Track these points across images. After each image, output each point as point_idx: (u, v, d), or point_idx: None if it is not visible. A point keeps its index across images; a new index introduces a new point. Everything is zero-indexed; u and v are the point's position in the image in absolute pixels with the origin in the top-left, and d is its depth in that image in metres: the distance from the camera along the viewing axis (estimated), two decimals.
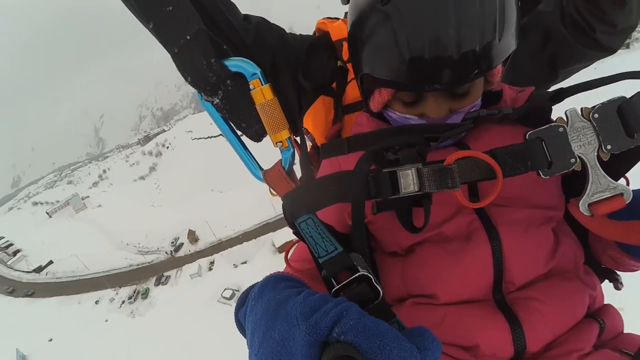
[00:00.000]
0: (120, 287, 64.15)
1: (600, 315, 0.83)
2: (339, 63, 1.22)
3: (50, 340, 53.07)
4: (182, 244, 71.95)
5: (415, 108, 0.84)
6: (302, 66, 1.11)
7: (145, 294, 58.07)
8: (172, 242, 74.06)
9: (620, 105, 0.61)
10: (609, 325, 0.82)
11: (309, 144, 1.35)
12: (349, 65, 1.23)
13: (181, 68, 0.70)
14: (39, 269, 78.63)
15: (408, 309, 0.85)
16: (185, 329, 39.60)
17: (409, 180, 0.61)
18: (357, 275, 0.50)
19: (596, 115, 0.61)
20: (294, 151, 0.72)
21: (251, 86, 0.68)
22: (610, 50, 1.08)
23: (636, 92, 0.61)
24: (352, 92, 1.24)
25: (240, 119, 0.73)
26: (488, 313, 0.76)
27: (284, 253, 0.88)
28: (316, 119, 1.14)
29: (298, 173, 0.85)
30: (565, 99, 0.77)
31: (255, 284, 0.56)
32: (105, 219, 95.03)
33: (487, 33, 0.70)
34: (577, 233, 0.90)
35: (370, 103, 0.93)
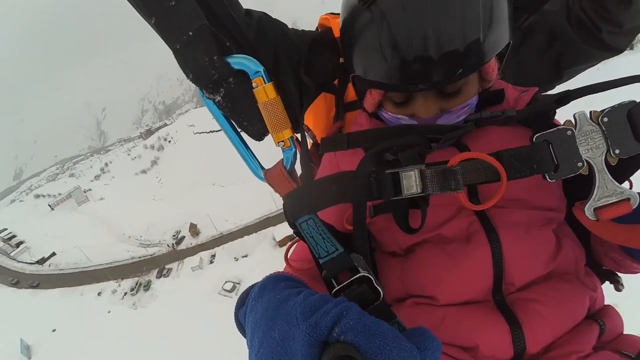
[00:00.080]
0: (122, 279, 64.71)
1: (601, 316, 0.83)
2: (341, 60, 1.20)
3: (54, 330, 53.81)
4: (184, 237, 72.47)
5: (405, 108, 0.84)
6: (304, 62, 1.12)
7: (147, 286, 58.63)
8: (174, 235, 74.58)
9: (630, 110, 0.60)
10: (609, 327, 0.81)
11: (310, 141, 1.35)
12: None
13: (183, 65, 0.68)
14: (42, 261, 79.35)
15: (408, 309, 0.85)
16: (187, 321, 40.18)
17: (411, 182, 0.61)
18: (357, 276, 0.50)
19: (605, 119, 0.60)
20: (295, 151, 0.71)
21: (254, 84, 0.67)
22: (616, 51, 1.08)
23: None
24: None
25: (242, 117, 0.71)
26: (488, 314, 0.76)
27: (284, 251, 0.88)
28: (317, 117, 1.13)
29: (299, 170, 0.85)
30: (571, 103, 0.77)
31: (255, 283, 0.56)
32: (107, 212, 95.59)
33: (470, 31, 0.70)
34: (578, 234, 0.90)
35: (364, 103, 0.94)
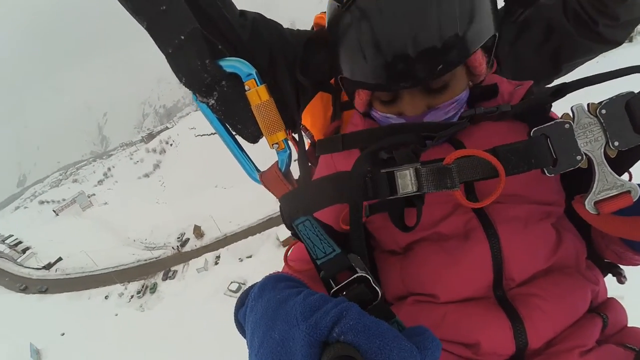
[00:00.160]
0: (128, 282, 65.35)
1: (603, 309, 0.82)
2: None
3: (63, 334, 54.43)
4: (188, 239, 73.06)
5: (393, 107, 0.84)
6: (299, 62, 1.11)
7: (154, 288, 59.22)
8: (178, 238, 75.17)
9: (628, 101, 0.59)
10: (612, 320, 0.80)
11: (307, 141, 1.35)
12: None
13: (175, 69, 0.69)
14: (48, 266, 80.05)
15: (409, 307, 0.84)
16: (193, 321, 40.64)
17: (407, 181, 0.61)
18: (355, 276, 0.50)
19: (603, 111, 0.60)
20: (290, 153, 0.72)
21: (246, 87, 0.68)
22: (614, 43, 1.08)
23: None
24: None
25: (235, 120, 0.72)
26: (489, 310, 0.76)
27: (285, 251, 0.88)
28: (314, 116, 1.14)
29: (296, 170, 0.83)
30: (567, 96, 0.76)
31: (255, 284, 0.56)
32: (111, 216, 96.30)
33: (447, 27, 0.70)
34: (579, 228, 0.89)
35: (355, 104, 0.95)
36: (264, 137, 0.73)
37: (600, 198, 0.61)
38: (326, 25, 0.89)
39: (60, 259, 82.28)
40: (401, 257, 0.89)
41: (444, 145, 0.86)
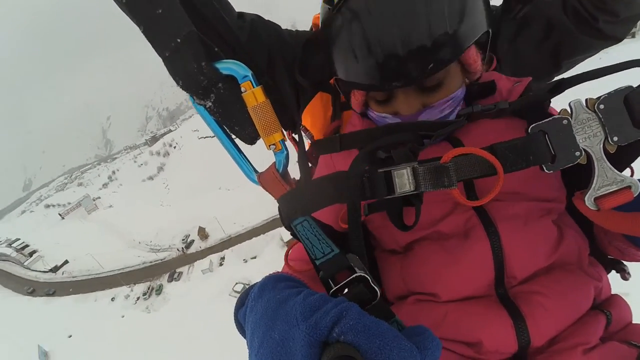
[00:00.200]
0: (134, 284, 65.89)
1: (607, 306, 0.82)
2: None
3: (70, 336, 55.03)
4: (193, 240, 73.53)
5: (388, 106, 0.85)
6: (298, 62, 1.11)
7: (159, 290, 59.63)
8: (183, 239, 75.64)
9: (627, 95, 0.58)
10: (616, 317, 0.80)
11: (307, 141, 1.34)
12: None
13: (172, 72, 0.70)
14: (55, 269, 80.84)
15: (410, 306, 0.84)
16: (199, 322, 40.98)
17: (404, 180, 0.61)
18: (354, 276, 0.50)
19: (602, 106, 0.59)
20: (287, 153, 0.72)
21: (243, 89, 0.68)
22: (615, 39, 1.06)
23: None
24: None
25: (233, 122, 0.73)
26: (490, 309, 0.76)
27: (286, 250, 0.89)
28: (314, 116, 1.13)
29: (296, 171, 0.84)
30: (566, 92, 0.75)
31: (255, 284, 0.55)
32: (116, 219, 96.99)
33: (436, 26, 0.70)
34: (581, 224, 0.89)
35: (352, 104, 0.95)
36: (261, 139, 0.74)
37: (600, 194, 0.61)
38: (321, 25, 0.91)
39: (66, 261, 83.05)
40: (402, 257, 0.88)
41: (442, 143, 0.86)
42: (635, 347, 0.74)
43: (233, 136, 0.76)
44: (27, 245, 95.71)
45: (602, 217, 0.63)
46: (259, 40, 1.06)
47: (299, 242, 0.85)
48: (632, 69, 0.67)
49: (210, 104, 0.71)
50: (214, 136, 0.71)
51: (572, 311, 0.77)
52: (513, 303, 0.75)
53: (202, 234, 71.85)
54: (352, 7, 0.76)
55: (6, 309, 69.54)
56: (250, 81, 0.68)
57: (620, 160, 0.67)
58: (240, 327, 0.56)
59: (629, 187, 0.60)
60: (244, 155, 0.75)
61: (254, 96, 0.68)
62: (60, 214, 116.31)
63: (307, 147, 1.15)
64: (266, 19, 1.14)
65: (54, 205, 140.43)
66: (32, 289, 74.97)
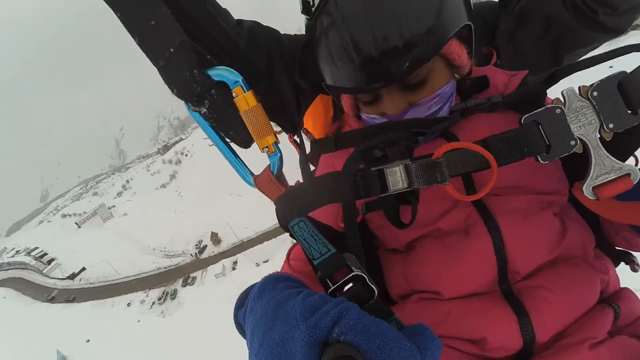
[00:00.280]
0: (149, 289, 66.95)
1: (615, 300, 0.80)
2: None
3: (88, 341, 56.09)
4: (206, 246, 74.51)
5: (375, 107, 0.85)
6: (298, 65, 1.12)
7: (174, 294, 60.50)
8: (196, 245, 76.73)
9: (620, 81, 0.57)
10: (625, 310, 0.78)
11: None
12: None
13: (167, 80, 0.71)
14: (72, 276, 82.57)
15: (413, 305, 0.84)
16: (213, 326, 41.39)
17: (397, 177, 0.61)
18: (351, 275, 0.50)
19: (595, 93, 0.58)
20: (280, 156, 0.73)
21: (234, 94, 0.70)
22: (617, 31, 1.04)
23: (637, 66, 0.57)
24: None
25: (227, 126, 0.74)
26: (494, 305, 0.75)
27: (288, 250, 0.89)
28: (315, 118, 1.15)
29: (298, 173, 0.85)
30: (564, 82, 0.72)
31: (254, 284, 0.55)
32: (131, 226, 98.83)
33: (408, 25, 0.71)
34: (587, 217, 0.87)
35: (344, 107, 0.96)
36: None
37: (599, 183, 0.60)
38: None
39: (83, 269, 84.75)
40: (404, 255, 0.88)
41: (437, 140, 0.85)
42: None
43: (229, 141, 0.78)
44: (45, 254, 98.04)
45: (602, 206, 0.62)
46: (258, 45, 1.08)
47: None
48: (625, 59, 0.64)
49: (204, 110, 0.73)
50: None
51: (578, 305, 0.75)
52: (517, 299, 0.74)
53: (215, 239, 72.74)
54: (326, 15, 0.78)
55: (26, 315, 71.18)
56: (241, 86, 0.70)
57: (620, 148, 0.65)
58: (240, 328, 0.56)
59: (628, 174, 0.58)
60: (240, 159, 0.77)
61: (245, 101, 0.70)
62: (76, 223, 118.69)
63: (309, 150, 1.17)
64: (265, 24, 1.16)
65: (70, 215, 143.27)
66: (52, 295, 76.60)
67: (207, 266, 64.05)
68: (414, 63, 0.72)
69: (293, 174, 0.77)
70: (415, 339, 0.40)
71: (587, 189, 0.61)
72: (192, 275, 65.02)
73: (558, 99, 0.61)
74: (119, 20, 0.71)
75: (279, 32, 1.16)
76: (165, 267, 73.41)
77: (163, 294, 62.74)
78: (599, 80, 0.59)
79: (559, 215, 0.82)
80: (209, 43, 0.96)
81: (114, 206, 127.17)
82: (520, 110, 0.80)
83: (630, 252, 0.90)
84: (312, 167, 1.10)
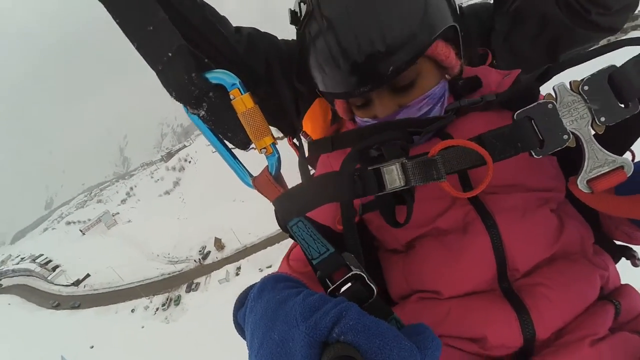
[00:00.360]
0: (153, 296, 67.23)
1: (616, 296, 0.80)
2: None
3: (92, 347, 56.19)
4: (210, 251, 74.90)
5: (367, 110, 0.86)
6: (296, 69, 1.14)
7: (178, 300, 60.72)
8: (200, 251, 77.07)
9: (611, 75, 0.58)
10: (625, 307, 0.78)
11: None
12: None
13: (166, 84, 0.72)
14: (77, 282, 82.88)
15: (413, 304, 0.84)
16: (217, 331, 41.45)
17: (394, 176, 0.61)
18: (350, 274, 0.50)
19: (586, 88, 0.58)
20: (278, 156, 0.74)
21: (231, 96, 0.71)
22: (612, 30, 1.04)
23: (627, 59, 0.58)
24: None
25: (225, 128, 0.75)
26: (494, 303, 0.75)
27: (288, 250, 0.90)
28: (314, 121, 1.16)
29: (295, 177, 0.85)
30: (553, 77, 0.73)
31: (254, 284, 0.55)
32: (135, 233, 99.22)
33: (390, 31, 0.72)
34: (586, 212, 0.87)
35: (338, 112, 0.97)
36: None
37: (593, 176, 0.60)
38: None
39: (88, 275, 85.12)
40: (403, 255, 0.88)
41: (434, 140, 0.86)
42: None
43: (228, 143, 0.78)
44: (50, 261, 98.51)
45: (599, 201, 0.62)
46: (257, 50, 1.10)
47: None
48: (617, 53, 0.65)
49: (203, 112, 0.73)
50: None
51: (578, 302, 0.75)
52: (517, 296, 0.74)
53: (218, 244, 73.06)
54: (313, 24, 0.80)
55: (31, 321, 71.46)
56: (238, 88, 0.70)
57: (616, 142, 0.66)
58: (240, 328, 0.56)
59: (622, 167, 0.59)
60: (239, 161, 0.77)
61: (242, 103, 0.70)
62: (81, 230, 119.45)
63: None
64: (263, 31, 1.20)
65: (74, 222, 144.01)
66: (57, 302, 76.88)
67: (211, 272, 64.29)
68: (399, 66, 0.74)
69: (293, 177, 0.78)
70: (415, 339, 0.40)
71: (581, 182, 0.61)
72: (195, 281, 65.27)
73: (550, 94, 0.62)
74: (118, 26, 0.72)
75: (276, 37, 1.19)
76: (169, 273, 73.69)
77: (167, 300, 62.93)
78: (590, 75, 0.59)
79: (556, 212, 0.82)
80: (207, 48, 0.99)
81: (118, 213, 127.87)
82: (514, 108, 0.82)
83: (631, 246, 0.90)
84: (311, 171, 1.12)
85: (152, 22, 0.70)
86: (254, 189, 0.75)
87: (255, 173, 0.76)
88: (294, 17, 0.86)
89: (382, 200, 0.75)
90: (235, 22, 1.11)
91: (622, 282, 0.87)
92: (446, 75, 0.89)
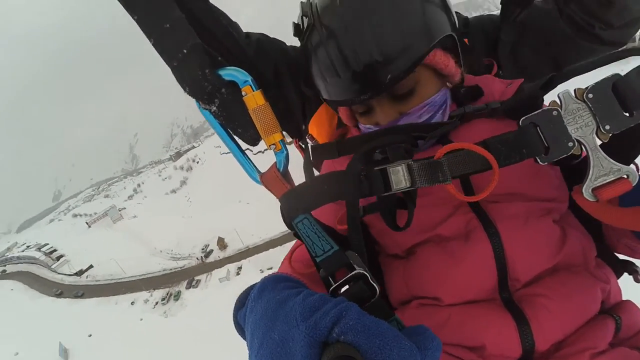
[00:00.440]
0: (154, 290, 67.86)
1: (617, 311, 0.79)
2: None
3: (90, 336, 56.79)
4: (212, 250, 75.66)
5: (369, 117, 0.87)
6: (303, 74, 1.13)
7: (177, 296, 61.28)
8: (203, 249, 77.84)
9: (615, 83, 0.58)
10: (626, 322, 0.77)
11: None
12: None
13: (180, 80, 0.74)
14: (79, 273, 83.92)
15: (413, 310, 0.84)
16: (215, 328, 41.90)
17: (400, 177, 0.61)
18: (353, 273, 0.50)
19: (590, 95, 0.58)
20: (287, 153, 0.74)
21: (243, 93, 0.72)
22: (617, 44, 1.03)
23: (632, 68, 0.57)
24: None
25: (235, 124, 0.76)
26: (493, 312, 0.74)
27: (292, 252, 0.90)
28: (320, 125, 1.15)
29: (300, 179, 0.85)
30: (557, 86, 0.72)
31: (254, 284, 0.55)
32: (140, 228, 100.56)
33: (387, 40, 0.74)
34: (588, 225, 0.87)
35: (342, 119, 0.99)
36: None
37: (598, 184, 0.59)
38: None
39: (91, 266, 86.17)
40: (404, 261, 0.88)
41: (436, 146, 0.85)
42: None
43: (237, 138, 0.80)
44: (55, 250, 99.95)
45: (603, 212, 0.61)
46: (266, 55, 1.13)
47: (301, 244, 0.86)
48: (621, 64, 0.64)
49: (214, 108, 0.75)
50: None
51: (579, 314, 0.75)
52: (517, 306, 0.74)
53: (221, 244, 73.83)
54: (314, 36, 0.83)
55: (31, 308, 72.39)
56: (250, 85, 0.72)
57: (620, 151, 0.65)
58: (240, 328, 0.56)
59: (627, 176, 0.58)
60: (248, 157, 0.79)
61: (254, 99, 0.72)
62: (87, 223, 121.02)
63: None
64: (272, 37, 1.21)
65: (81, 215, 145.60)
66: (60, 290, 77.68)
67: (212, 270, 64.93)
68: (397, 75, 0.75)
69: (297, 180, 0.78)
70: (415, 339, 0.40)
71: (586, 191, 0.60)
72: (196, 278, 65.93)
73: (554, 101, 0.62)
74: (136, 23, 0.75)
75: (285, 43, 1.22)
76: (171, 269, 74.39)
77: (167, 294, 63.54)
78: (594, 83, 0.59)
79: (558, 223, 0.82)
80: (218, 47, 1.01)
81: (124, 208, 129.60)
82: (518, 117, 0.78)
83: (634, 261, 0.90)
84: (316, 172, 1.14)
85: (169, 20, 0.72)
86: (261, 185, 0.76)
87: (263, 171, 0.77)
88: (297, 30, 0.90)
89: (385, 203, 0.76)
90: (251, 28, 1.15)
91: (624, 298, 0.87)
92: (447, 84, 0.89)
